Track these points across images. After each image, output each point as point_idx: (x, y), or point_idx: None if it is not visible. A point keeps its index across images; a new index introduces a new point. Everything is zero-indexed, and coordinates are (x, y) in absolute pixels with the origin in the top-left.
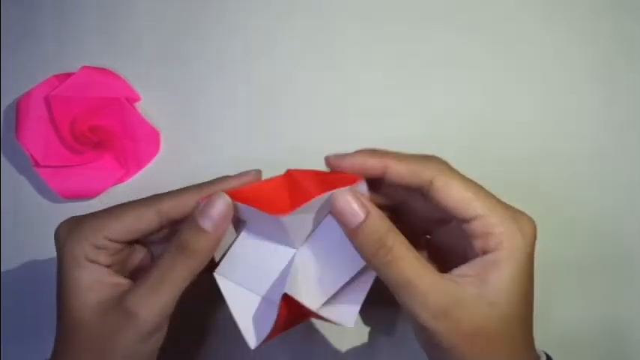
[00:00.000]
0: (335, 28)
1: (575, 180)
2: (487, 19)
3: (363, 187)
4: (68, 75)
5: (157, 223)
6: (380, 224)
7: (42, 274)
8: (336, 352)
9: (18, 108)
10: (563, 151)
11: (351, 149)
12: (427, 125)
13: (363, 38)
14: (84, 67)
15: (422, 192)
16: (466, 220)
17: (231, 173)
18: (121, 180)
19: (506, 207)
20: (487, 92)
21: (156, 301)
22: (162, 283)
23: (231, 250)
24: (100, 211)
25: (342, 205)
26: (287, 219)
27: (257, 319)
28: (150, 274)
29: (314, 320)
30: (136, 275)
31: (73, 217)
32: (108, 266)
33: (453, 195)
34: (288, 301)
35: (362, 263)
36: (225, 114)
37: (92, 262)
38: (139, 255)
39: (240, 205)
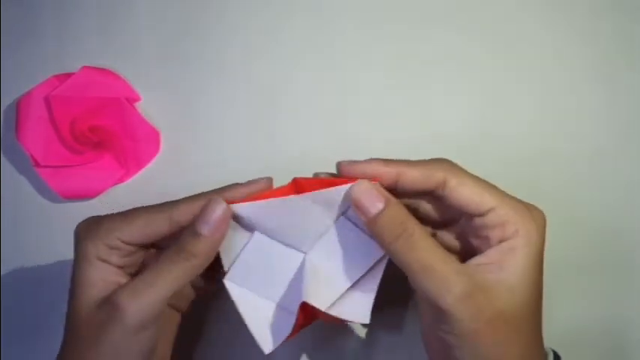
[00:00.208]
0: (335, 27)
1: (575, 180)
2: (487, 19)
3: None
4: (68, 75)
5: (166, 228)
6: (400, 211)
7: (42, 274)
8: (335, 351)
9: (18, 108)
10: (563, 151)
11: (351, 149)
12: (427, 126)
13: (363, 38)
14: (84, 67)
15: (434, 194)
16: (481, 214)
17: (231, 173)
18: (121, 180)
19: (517, 199)
20: (487, 92)
21: (145, 298)
22: (154, 281)
23: (240, 256)
24: (117, 213)
25: (361, 194)
26: (294, 200)
27: (269, 324)
28: (143, 274)
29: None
30: None
31: (92, 217)
32: (120, 267)
33: (468, 191)
34: (304, 307)
35: (370, 263)
36: (225, 114)
37: (103, 261)
38: (153, 258)
39: (247, 205)
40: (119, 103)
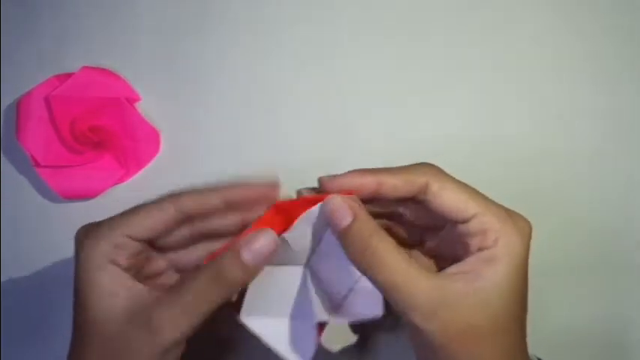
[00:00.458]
0: (335, 29)
1: (575, 180)
2: (487, 21)
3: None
4: (68, 75)
5: (174, 218)
6: (365, 226)
7: (42, 274)
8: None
9: (18, 108)
10: (563, 151)
11: (350, 149)
12: (427, 127)
13: (365, 41)
14: (84, 67)
15: (416, 200)
16: (463, 221)
17: (231, 174)
18: (121, 180)
19: (502, 207)
20: (487, 93)
21: (184, 323)
22: (193, 306)
23: (248, 294)
24: (116, 215)
25: (332, 207)
26: (290, 235)
27: (294, 340)
28: (181, 294)
29: None
30: (150, 282)
31: (90, 223)
32: (128, 270)
33: (450, 197)
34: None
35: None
36: (225, 114)
37: (112, 262)
38: (157, 263)
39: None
40: (119, 103)
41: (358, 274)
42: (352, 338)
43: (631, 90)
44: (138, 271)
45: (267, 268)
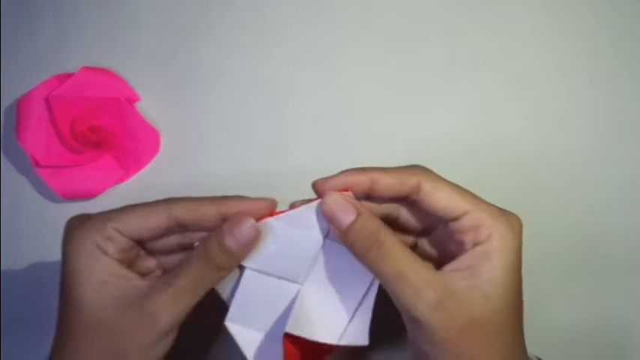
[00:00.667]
0: (335, 30)
1: (575, 180)
2: (486, 22)
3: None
4: (68, 75)
5: (165, 224)
6: (371, 222)
7: (42, 273)
8: None
9: (18, 108)
10: (563, 152)
11: (350, 149)
12: (427, 127)
13: (365, 41)
14: (84, 67)
15: (409, 200)
16: (455, 218)
17: (231, 174)
18: (121, 180)
19: (493, 205)
20: (487, 93)
21: (179, 307)
22: (187, 290)
23: (236, 296)
24: (109, 210)
25: (332, 206)
26: (271, 223)
27: (263, 356)
28: (174, 280)
29: None
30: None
31: (81, 215)
32: (117, 260)
33: (442, 196)
34: (292, 340)
35: (365, 287)
36: (225, 114)
37: (103, 252)
38: (147, 262)
39: None
40: (119, 103)
41: (356, 303)
42: None
43: (630, 90)
44: (128, 266)
45: (264, 278)
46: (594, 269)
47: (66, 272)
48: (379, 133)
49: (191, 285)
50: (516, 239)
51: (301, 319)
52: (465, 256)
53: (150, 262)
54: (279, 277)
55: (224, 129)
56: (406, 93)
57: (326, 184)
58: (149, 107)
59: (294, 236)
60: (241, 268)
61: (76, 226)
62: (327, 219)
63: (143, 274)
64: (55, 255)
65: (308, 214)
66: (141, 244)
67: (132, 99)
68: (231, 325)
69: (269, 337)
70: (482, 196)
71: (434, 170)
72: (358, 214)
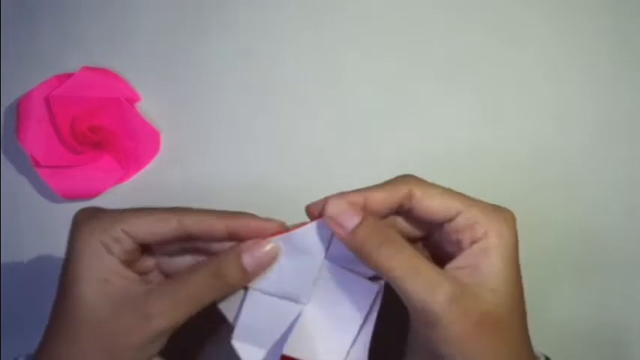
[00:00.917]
0: (336, 31)
1: (574, 179)
2: (487, 21)
3: None
4: (68, 75)
5: (174, 232)
6: (376, 223)
7: (42, 274)
8: None
9: (18, 108)
10: (563, 152)
11: (350, 149)
12: (428, 127)
13: (364, 44)
14: (84, 67)
15: (403, 209)
16: (449, 219)
17: (231, 174)
18: (120, 180)
19: (485, 202)
20: (486, 93)
21: (177, 315)
22: (190, 300)
23: (241, 315)
24: (120, 209)
25: (336, 210)
26: (285, 239)
27: None
28: (180, 284)
29: None
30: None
31: (92, 207)
32: (120, 261)
33: (434, 199)
34: None
35: (367, 307)
36: (225, 114)
37: (108, 251)
38: (146, 262)
39: None
40: (119, 103)
41: (358, 325)
42: None
43: (629, 90)
44: (128, 265)
45: (267, 298)
46: (594, 268)
47: (68, 266)
48: (379, 134)
49: (193, 296)
50: (512, 234)
51: (302, 340)
52: (464, 255)
53: (148, 262)
54: (282, 298)
55: (224, 129)
56: (406, 94)
57: (319, 206)
58: (149, 107)
59: (295, 256)
60: (245, 288)
61: (84, 220)
62: (331, 225)
63: (141, 273)
64: (55, 255)
65: (308, 234)
66: (144, 245)
67: (132, 99)
68: (238, 344)
69: (274, 355)
70: (482, 197)
71: (434, 171)
72: (363, 216)
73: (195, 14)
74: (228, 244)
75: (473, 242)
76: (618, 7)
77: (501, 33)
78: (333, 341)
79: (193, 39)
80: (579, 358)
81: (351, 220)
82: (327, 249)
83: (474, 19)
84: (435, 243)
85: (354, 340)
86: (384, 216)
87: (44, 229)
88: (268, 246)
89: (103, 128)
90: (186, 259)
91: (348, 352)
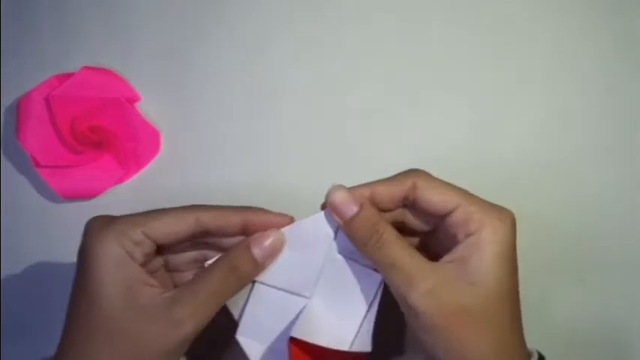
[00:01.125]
0: (336, 31)
1: (575, 180)
2: (488, 21)
3: None
4: (68, 75)
5: (192, 229)
6: (372, 215)
7: (42, 274)
8: None
9: (18, 108)
10: (564, 152)
11: (348, 146)
12: (428, 127)
13: (364, 44)
14: (84, 67)
15: (409, 201)
16: (448, 212)
17: (231, 174)
18: (121, 180)
19: (485, 200)
20: (488, 93)
21: (205, 315)
22: (212, 300)
23: (246, 310)
24: (135, 213)
25: (337, 199)
26: (290, 230)
27: None
28: (199, 289)
29: None
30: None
31: (104, 215)
32: (141, 266)
33: (435, 192)
34: (298, 344)
35: (370, 297)
36: (225, 114)
37: (131, 257)
38: (155, 261)
39: None
40: (119, 103)
41: (362, 314)
42: None
43: (632, 90)
44: (142, 266)
45: (273, 291)
46: (594, 268)
47: (89, 275)
48: (380, 134)
49: (215, 295)
50: (508, 231)
51: (309, 325)
52: (457, 248)
53: (158, 261)
54: (287, 291)
55: (224, 129)
56: (406, 95)
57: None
58: (149, 107)
59: (301, 248)
60: (252, 283)
61: (100, 227)
62: (331, 211)
63: (151, 273)
64: (55, 254)
65: (314, 224)
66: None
67: (132, 99)
68: (242, 338)
69: (278, 350)
70: (484, 197)
71: (434, 172)
72: (361, 207)
73: (195, 14)
74: (239, 239)
75: (467, 236)
76: (619, 8)
77: (502, 34)
78: (338, 328)
79: (193, 39)
80: (579, 358)
81: (349, 209)
82: (334, 238)
83: (475, 19)
84: (440, 236)
85: (359, 328)
86: (391, 209)
87: (44, 229)
88: (275, 235)
89: (103, 128)
90: (189, 255)
91: (354, 340)
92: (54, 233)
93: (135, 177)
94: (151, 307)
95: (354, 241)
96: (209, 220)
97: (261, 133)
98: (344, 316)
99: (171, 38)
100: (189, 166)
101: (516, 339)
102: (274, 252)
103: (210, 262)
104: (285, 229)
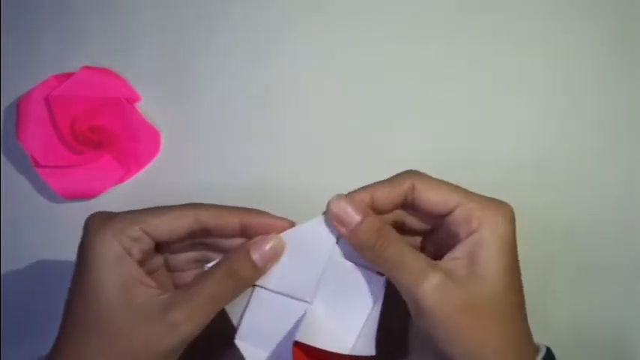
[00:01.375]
0: (337, 31)
1: (575, 181)
2: (487, 21)
3: None
4: (68, 75)
5: (191, 227)
6: (375, 221)
7: (42, 274)
8: None
9: (18, 108)
10: (564, 152)
11: (348, 146)
12: (429, 126)
13: (364, 44)
14: (84, 67)
15: (407, 202)
16: (448, 211)
17: (231, 174)
18: (121, 180)
19: (483, 196)
20: (488, 93)
21: (202, 319)
22: (210, 303)
23: (246, 314)
24: (134, 210)
25: (339, 210)
26: (291, 235)
27: None
28: (197, 292)
29: None
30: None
31: (103, 212)
32: (139, 264)
33: (434, 192)
34: (302, 349)
35: (372, 300)
36: (225, 114)
37: (129, 254)
38: (155, 260)
39: None
40: (119, 103)
41: (364, 318)
42: None
43: (630, 90)
44: (142, 266)
45: (273, 296)
46: (594, 268)
47: (87, 272)
48: (380, 134)
49: (213, 298)
50: (508, 226)
51: (310, 331)
52: (461, 246)
53: (157, 261)
54: (288, 296)
55: (224, 129)
56: (407, 94)
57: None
58: (149, 107)
59: (302, 252)
60: (252, 287)
61: (98, 224)
62: (334, 222)
63: (150, 273)
64: (55, 254)
65: (314, 229)
66: (158, 244)
67: (132, 99)
68: (241, 343)
69: (277, 355)
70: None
71: (435, 171)
72: (364, 215)
73: (195, 14)
74: (239, 241)
75: (469, 234)
76: (620, 7)
77: (503, 33)
78: (340, 331)
79: (193, 39)
80: (579, 358)
81: (353, 220)
82: (336, 242)
83: (475, 19)
84: (441, 236)
85: (360, 331)
86: (390, 210)
87: (44, 229)
88: (274, 240)
89: (103, 128)
90: (190, 255)
91: (355, 343)
92: (54, 233)
93: (135, 177)
94: (147, 307)
95: (360, 248)
96: (208, 218)
97: (261, 133)
98: (346, 320)
99: (172, 38)
100: (189, 166)
101: (524, 333)
102: (274, 256)
103: (210, 264)
104: (285, 233)
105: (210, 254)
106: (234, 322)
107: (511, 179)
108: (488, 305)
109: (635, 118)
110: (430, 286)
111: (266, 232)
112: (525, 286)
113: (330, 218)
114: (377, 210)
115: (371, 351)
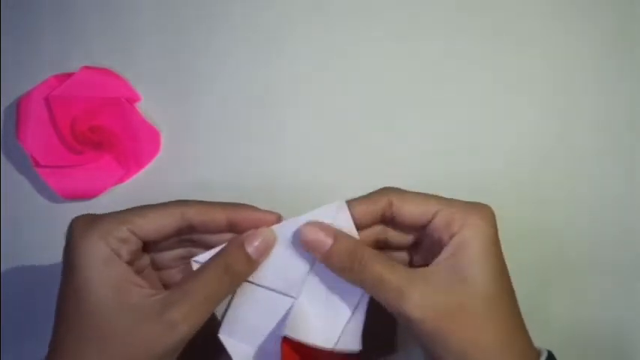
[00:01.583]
0: (338, 31)
1: (575, 181)
2: (487, 21)
3: (344, 212)
4: (68, 75)
5: (178, 225)
6: (348, 243)
7: (42, 274)
8: None
9: (18, 108)
10: (564, 152)
11: (348, 145)
12: (429, 125)
13: (364, 44)
14: (84, 67)
15: (386, 217)
16: (428, 220)
17: (231, 174)
18: (121, 180)
19: (461, 200)
20: (489, 93)
21: (200, 317)
22: (207, 300)
23: (230, 308)
24: (119, 210)
25: (309, 236)
26: (278, 229)
27: None
28: (193, 289)
29: None
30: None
31: (87, 214)
32: (128, 264)
33: (412, 204)
34: (291, 344)
35: (358, 295)
36: (225, 114)
37: (117, 255)
38: (142, 260)
39: None
40: (119, 103)
41: (350, 312)
42: None
43: (630, 90)
44: (129, 265)
45: (258, 290)
46: (594, 268)
47: (75, 276)
48: (379, 134)
49: (210, 295)
50: (489, 226)
51: (297, 326)
52: (444, 251)
53: (144, 260)
54: (274, 290)
55: (224, 129)
56: (407, 93)
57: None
58: (149, 107)
59: (290, 247)
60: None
61: (84, 226)
62: (306, 248)
63: (138, 272)
64: (55, 255)
65: (292, 227)
66: (146, 243)
67: (132, 99)
68: (225, 337)
69: (262, 350)
70: (482, 197)
71: (434, 170)
72: (335, 238)
73: (195, 14)
74: (227, 236)
75: (451, 236)
76: (620, 7)
77: (503, 33)
78: (325, 326)
79: (193, 39)
80: (579, 358)
81: (324, 244)
82: None
83: (475, 19)
84: (426, 246)
85: (345, 326)
86: (369, 225)
87: (44, 229)
88: (267, 232)
89: (103, 128)
90: (177, 252)
91: (339, 338)
92: (54, 233)
93: (135, 177)
94: (144, 308)
95: (337, 271)
96: (194, 215)
97: (261, 133)
98: (331, 315)
99: (172, 38)
100: (189, 166)
101: (519, 335)
102: (267, 249)
103: (196, 257)
104: (274, 227)
105: (196, 251)
106: (219, 315)
107: (511, 179)
108: (475, 305)
109: (635, 118)
110: (414, 299)
111: (254, 226)
112: (525, 286)
113: (319, 213)
114: (355, 225)
115: (356, 346)
